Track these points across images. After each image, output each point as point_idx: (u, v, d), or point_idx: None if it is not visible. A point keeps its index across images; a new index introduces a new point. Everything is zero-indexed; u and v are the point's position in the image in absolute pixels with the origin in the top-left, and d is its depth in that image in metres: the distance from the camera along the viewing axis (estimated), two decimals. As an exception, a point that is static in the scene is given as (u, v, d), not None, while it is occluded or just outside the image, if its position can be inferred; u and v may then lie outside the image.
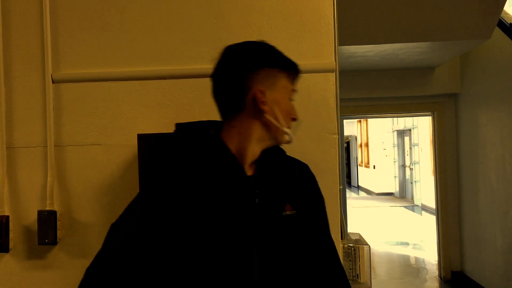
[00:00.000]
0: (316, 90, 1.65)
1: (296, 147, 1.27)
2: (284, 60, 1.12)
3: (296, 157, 1.21)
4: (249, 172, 1.10)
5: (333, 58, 1.66)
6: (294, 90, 1.14)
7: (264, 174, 1.11)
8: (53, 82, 1.69)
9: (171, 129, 1.64)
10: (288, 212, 1.09)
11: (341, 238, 1.62)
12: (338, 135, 1.65)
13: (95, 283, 1.02)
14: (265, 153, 1.12)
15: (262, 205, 1.06)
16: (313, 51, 1.65)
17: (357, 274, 1.66)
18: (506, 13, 4.26)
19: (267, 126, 1.09)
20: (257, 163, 1.11)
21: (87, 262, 1.67)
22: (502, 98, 4.38)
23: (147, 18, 1.69)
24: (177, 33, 1.69)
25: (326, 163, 1.60)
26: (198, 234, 1.01)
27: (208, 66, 1.71)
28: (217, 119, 1.15)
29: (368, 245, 1.65)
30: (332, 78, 1.65)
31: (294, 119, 1.13)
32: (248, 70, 1.07)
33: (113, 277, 1.01)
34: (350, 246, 1.66)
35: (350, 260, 1.65)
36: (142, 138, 1.54)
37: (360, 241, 1.70)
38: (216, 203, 1.03)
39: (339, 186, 1.65)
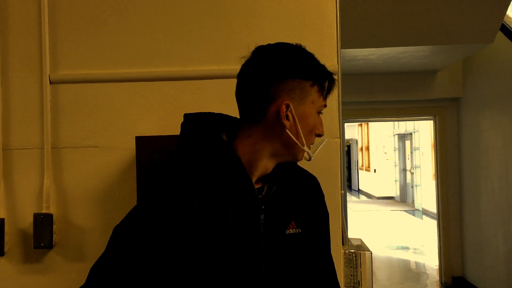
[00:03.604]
0: (318, 93, 1.61)
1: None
2: (320, 72, 1.02)
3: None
4: (257, 184, 1.04)
5: (336, 60, 1.63)
6: (325, 106, 1.04)
7: (272, 189, 1.04)
8: (50, 83, 1.66)
9: (170, 131, 1.63)
10: (292, 231, 1.03)
11: (342, 244, 1.59)
12: (340, 138, 1.62)
13: (98, 285, 0.99)
14: (277, 165, 1.06)
15: (267, 222, 1.01)
16: (315, 53, 1.59)
17: (358, 281, 1.63)
18: (509, 17, 4.25)
19: (286, 142, 1.00)
20: (266, 175, 1.05)
21: (83, 266, 1.65)
22: (504, 103, 4.37)
23: (147, 19, 1.67)
24: (177, 34, 1.66)
25: (328, 167, 1.57)
26: (199, 246, 0.96)
27: (208, 68, 1.73)
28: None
29: (370, 251, 1.62)
30: (334, 81, 1.61)
31: (319, 135, 1.06)
32: (276, 78, 0.98)
33: (116, 280, 0.98)
34: (351, 252, 1.63)
35: (351, 267, 1.62)
36: (141, 141, 1.51)
37: (361, 247, 1.67)
38: (221, 216, 0.97)
39: (341, 191, 1.61)
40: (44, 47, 1.66)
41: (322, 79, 1.02)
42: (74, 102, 1.67)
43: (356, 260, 1.62)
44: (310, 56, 1.04)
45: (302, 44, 1.05)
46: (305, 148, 1.02)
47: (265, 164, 1.03)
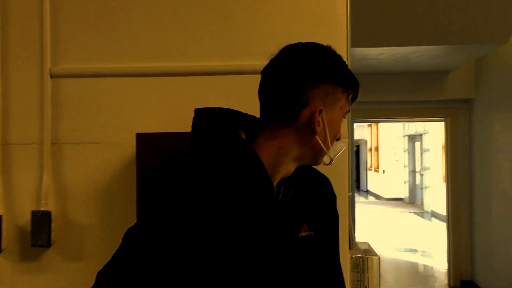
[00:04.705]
0: (327, 92, 1.56)
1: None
2: (351, 79, 1.00)
3: None
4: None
5: (346, 58, 1.57)
6: (349, 111, 1.03)
7: (289, 192, 1.01)
8: (51, 77, 1.63)
9: (172, 128, 1.58)
10: (304, 233, 1.00)
11: (349, 248, 1.53)
12: (348, 139, 1.56)
13: None
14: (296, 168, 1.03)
15: (283, 226, 0.97)
16: (324, 50, 1.57)
17: (365, 287, 1.57)
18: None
19: (312, 147, 0.98)
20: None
21: (82, 266, 1.63)
22: (517, 105, 4.29)
23: (150, 12, 1.63)
24: (181, 28, 1.62)
25: (336, 167, 1.51)
26: (215, 252, 0.92)
27: (213, 64, 1.68)
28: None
29: (377, 256, 1.56)
30: (344, 79, 1.56)
31: (338, 139, 1.04)
32: (312, 81, 0.94)
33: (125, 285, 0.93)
34: (358, 256, 1.57)
35: (358, 272, 1.57)
36: (141, 138, 1.47)
37: (369, 252, 1.61)
38: (239, 221, 0.93)
39: (349, 193, 1.56)
40: (45, 40, 1.62)
41: (353, 86, 1.00)
42: (74, 97, 1.64)
43: (363, 265, 1.56)
44: (342, 61, 1.01)
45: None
46: (331, 154, 1.00)
47: (287, 168, 1.00)
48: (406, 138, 14.02)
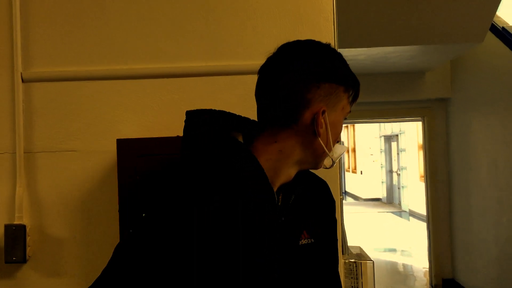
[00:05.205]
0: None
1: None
2: (352, 78, 0.95)
3: None
4: None
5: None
6: (350, 112, 0.98)
7: (290, 199, 0.97)
8: (23, 81, 1.56)
9: (154, 133, 1.52)
10: (304, 241, 0.96)
11: (342, 253, 1.48)
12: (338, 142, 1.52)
13: None
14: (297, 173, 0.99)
15: (284, 234, 0.93)
16: (311, 49, 1.52)
17: (359, 293, 1.52)
18: (498, 17, 4.26)
19: (314, 150, 0.93)
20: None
21: (60, 282, 1.54)
22: (493, 103, 4.36)
23: (129, 11, 1.57)
24: (162, 28, 1.56)
25: (328, 171, 1.46)
26: (213, 253, 0.87)
27: (196, 65, 1.62)
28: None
29: (371, 260, 1.52)
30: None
31: (338, 141, 0.99)
32: (314, 81, 0.90)
33: None
34: (351, 261, 1.52)
35: (352, 277, 1.51)
36: (123, 144, 1.39)
37: (362, 256, 1.56)
38: (237, 221, 0.88)
39: (339, 196, 1.51)
40: (15, 42, 1.56)
41: (354, 85, 0.96)
42: (49, 102, 1.58)
43: (356, 270, 1.51)
44: (343, 59, 0.96)
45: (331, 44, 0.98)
46: (333, 157, 0.96)
47: (288, 173, 0.95)
48: (383, 138, 14.20)
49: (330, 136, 0.92)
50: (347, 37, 3.63)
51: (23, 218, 1.53)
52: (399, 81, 5.15)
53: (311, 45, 0.95)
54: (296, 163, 0.95)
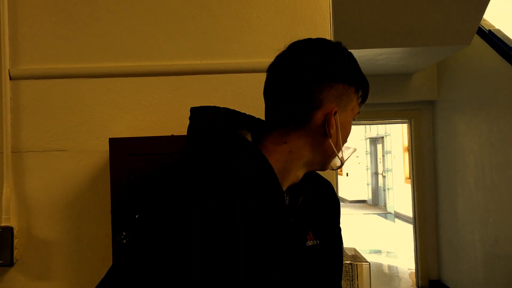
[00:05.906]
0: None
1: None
2: (361, 78, 0.94)
3: None
4: None
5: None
6: (358, 113, 0.97)
7: (298, 200, 0.96)
8: (10, 78, 1.52)
9: (147, 132, 1.48)
10: (310, 243, 0.95)
11: (338, 255, 1.47)
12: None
13: None
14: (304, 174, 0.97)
15: (292, 235, 0.92)
16: (307, 47, 1.50)
17: (356, 295, 1.50)
18: (485, 20, 4.31)
19: (324, 150, 0.91)
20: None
21: (49, 286, 1.49)
22: (480, 105, 4.40)
23: (121, 7, 1.53)
24: (155, 24, 1.53)
25: (325, 173, 1.45)
26: (212, 253, 0.85)
27: (190, 62, 1.59)
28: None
29: (368, 262, 1.50)
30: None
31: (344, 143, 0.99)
32: (327, 80, 0.88)
33: None
34: (347, 263, 1.50)
35: (347, 279, 1.50)
36: (115, 143, 1.35)
37: (358, 258, 1.54)
38: (236, 221, 0.86)
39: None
40: (2, 38, 1.51)
41: (364, 86, 0.95)
42: (38, 101, 1.53)
43: (352, 272, 1.50)
44: (354, 59, 0.94)
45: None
46: (342, 158, 0.95)
47: (297, 174, 0.94)
48: (368, 140, 14.29)
49: (340, 137, 0.91)
50: (336, 39, 3.63)
51: (11, 220, 1.48)
52: (387, 83, 5.17)
53: (323, 44, 0.93)
54: (305, 164, 0.93)
